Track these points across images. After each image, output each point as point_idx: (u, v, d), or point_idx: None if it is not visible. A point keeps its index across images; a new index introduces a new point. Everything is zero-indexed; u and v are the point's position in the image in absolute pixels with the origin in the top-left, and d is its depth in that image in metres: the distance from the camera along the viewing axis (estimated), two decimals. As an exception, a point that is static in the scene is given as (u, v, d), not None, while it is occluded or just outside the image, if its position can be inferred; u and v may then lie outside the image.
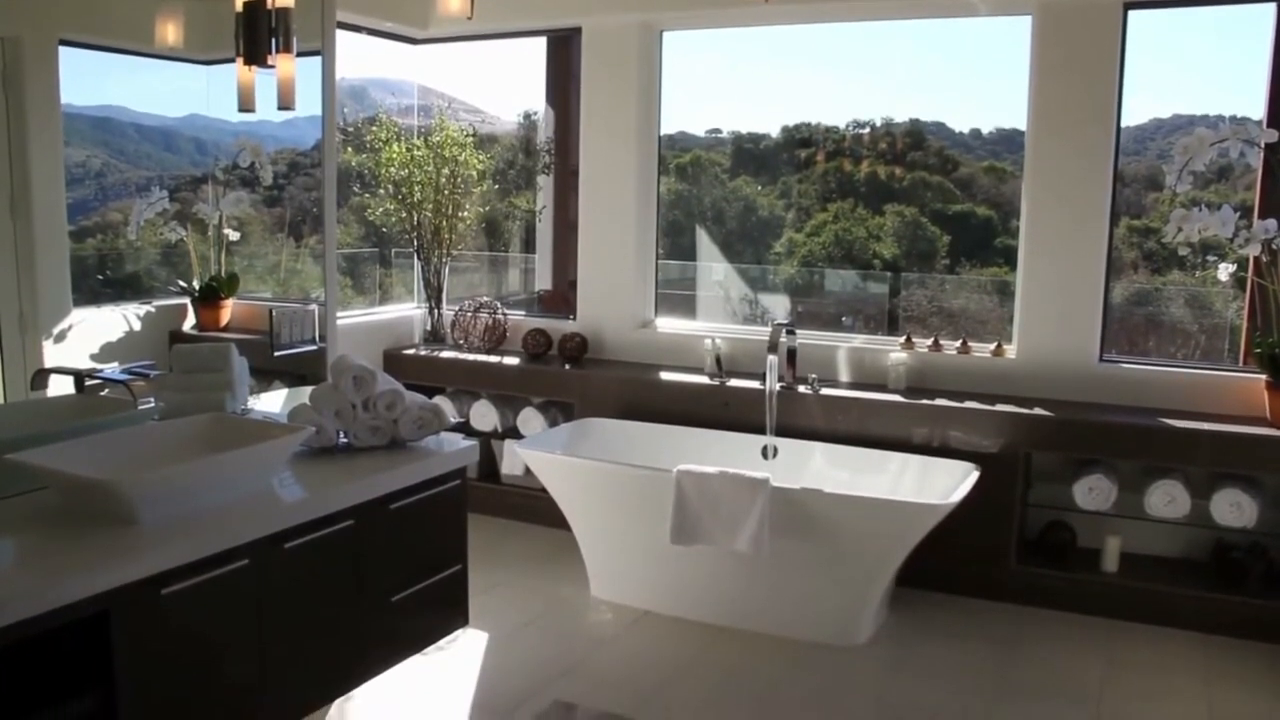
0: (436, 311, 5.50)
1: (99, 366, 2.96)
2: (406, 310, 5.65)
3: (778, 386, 4.25)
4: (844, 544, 3.66)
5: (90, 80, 3.02)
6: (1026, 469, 4.16)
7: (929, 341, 4.58)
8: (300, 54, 3.26)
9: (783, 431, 4.33)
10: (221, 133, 3.45)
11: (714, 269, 5.88)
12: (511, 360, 5.12)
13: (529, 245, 6.04)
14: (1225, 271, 4.03)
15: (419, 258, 5.50)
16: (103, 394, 2.93)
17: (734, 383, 4.61)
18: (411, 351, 5.36)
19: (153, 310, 3.26)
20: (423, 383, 5.12)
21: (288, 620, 2.52)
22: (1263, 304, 3.99)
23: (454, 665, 3.56)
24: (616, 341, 5.19)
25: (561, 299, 5.64)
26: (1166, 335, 4.94)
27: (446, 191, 5.34)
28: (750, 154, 6.00)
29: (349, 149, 5.33)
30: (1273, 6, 4.05)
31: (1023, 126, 4.35)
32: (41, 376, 2.80)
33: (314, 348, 3.70)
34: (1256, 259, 3.92)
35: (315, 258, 3.88)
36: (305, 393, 3.10)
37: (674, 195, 5.81)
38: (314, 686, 2.66)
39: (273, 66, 3.19)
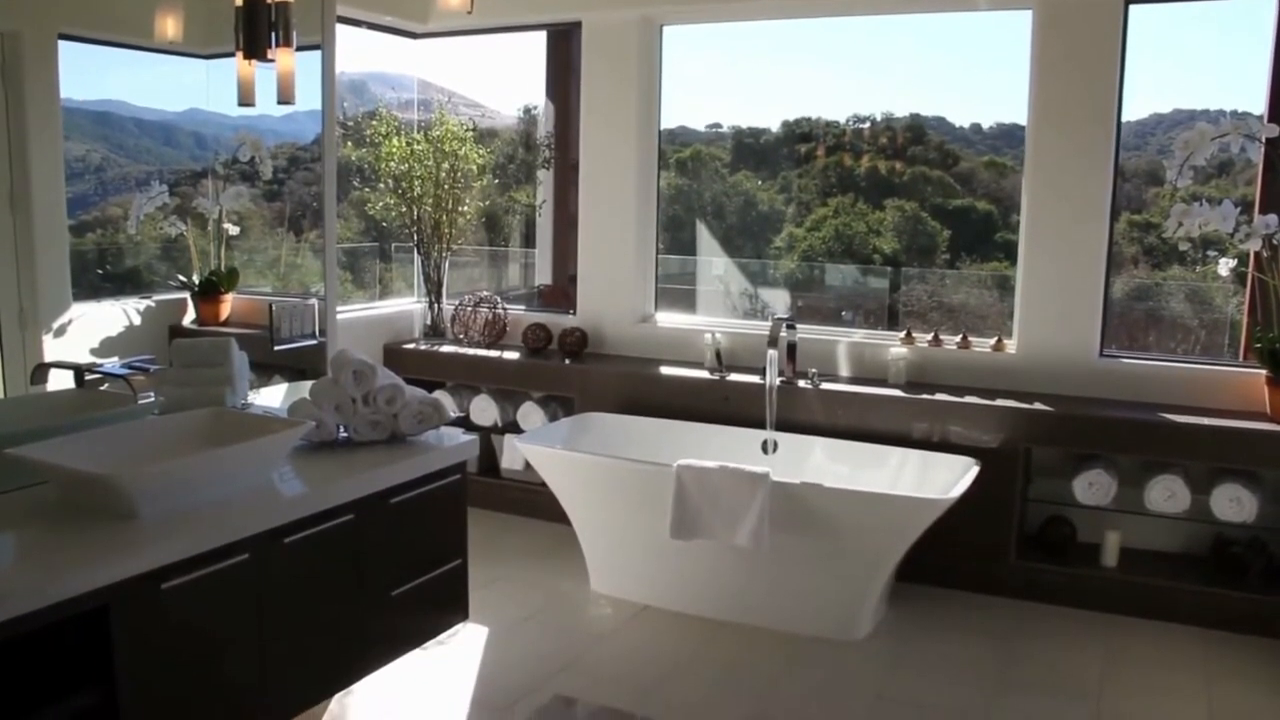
0: (436, 306, 5.50)
1: (99, 361, 2.96)
2: (406, 305, 5.65)
3: (778, 381, 4.25)
4: (844, 539, 3.67)
5: (90, 75, 3.01)
6: (1026, 464, 4.16)
7: (929, 336, 4.58)
8: (300, 48, 3.25)
9: (783, 426, 4.33)
10: (221, 127, 3.44)
11: (714, 264, 5.88)
12: (511, 355, 5.12)
13: (529, 240, 6.03)
14: (1225, 267, 4.03)
15: (419, 252, 5.50)
16: (102, 389, 2.93)
17: (734, 377, 4.61)
18: (411, 346, 5.36)
19: (152, 305, 3.26)
20: (423, 377, 5.11)
21: (288, 615, 2.52)
22: (1263, 299, 3.99)
23: (454, 660, 3.56)
24: (616, 336, 5.19)
25: (561, 294, 5.63)
26: (1167, 330, 4.93)
27: (446, 186, 5.34)
28: (750, 149, 5.99)
29: (349, 143, 5.32)
30: (1274, 0, 4.04)
31: (1023, 121, 4.34)
32: (41, 371, 2.80)
33: (314, 342, 3.70)
34: (1257, 254, 3.92)
35: (315, 252, 3.88)
36: (305, 387, 3.10)
37: (674, 190, 5.80)
38: (314, 681, 2.66)
39: (272, 61, 3.19)
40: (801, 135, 5.77)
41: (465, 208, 5.43)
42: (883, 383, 4.49)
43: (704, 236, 5.93)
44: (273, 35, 3.15)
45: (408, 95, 5.69)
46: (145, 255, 3.29)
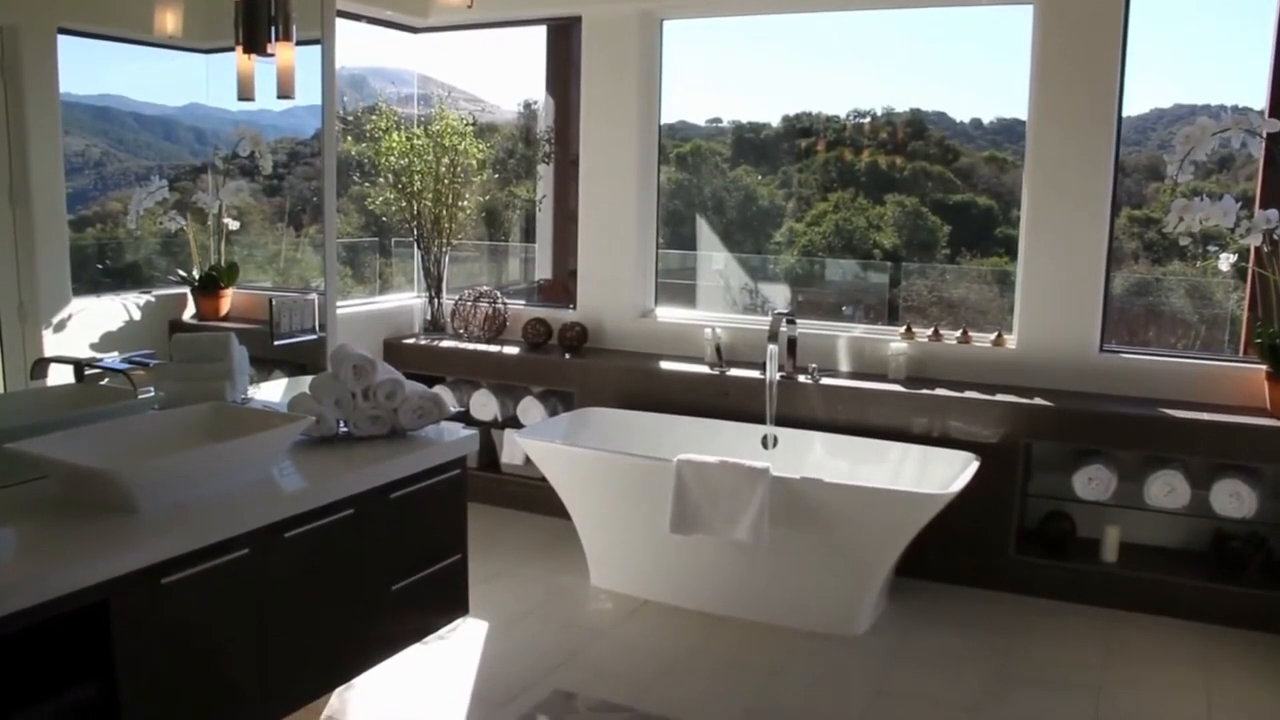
0: (436, 301, 5.50)
1: (99, 356, 2.96)
2: (406, 299, 5.64)
3: (778, 376, 4.25)
4: (843, 534, 3.67)
5: (89, 69, 3.01)
6: (1026, 459, 4.16)
7: (929, 331, 4.58)
8: (300, 43, 3.25)
9: (783, 421, 4.33)
10: (221, 122, 3.44)
11: (714, 258, 5.88)
12: (511, 350, 5.12)
13: (529, 234, 6.03)
14: (1226, 262, 4.02)
15: (419, 247, 5.50)
16: (102, 383, 2.94)
17: (734, 372, 4.61)
18: (411, 341, 5.36)
19: (152, 299, 3.26)
20: (423, 372, 5.11)
21: (288, 610, 2.53)
22: (1263, 294, 3.98)
23: (454, 654, 3.57)
24: (616, 331, 5.19)
25: (561, 288, 5.63)
26: (1167, 325, 4.94)
27: (446, 181, 5.34)
28: (751, 143, 5.99)
29: (349, 138, 5.32)
30: (1275, -4, 4.04)
31: (1024, 116, 4.34)
32: (41, 366, 2.80)
33: (314, 337, 3.70)
34: (1257, 249, 3.92)
35: (315, 247, 3.88)
36: (305, 382, 3.10)
37: (674, 185, 5.80)
38: (314, 675, 2.67)
39: (272, 55, 3.19)
40: (802, 130, 5.77)
41: (465, 203, 5.42)
42: (883, 378, 4.49)
43: (704, 231, 5.92)
44: (272, 30, 3.15)
45: (408, 90, 5.68)
46: (145, 250, 3.29)
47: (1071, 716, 3.23)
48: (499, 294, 5.38)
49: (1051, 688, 3.41)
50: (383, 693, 3.27)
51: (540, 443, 4.17)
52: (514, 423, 5.06)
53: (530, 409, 4.99)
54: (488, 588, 4.07)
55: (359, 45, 5.35)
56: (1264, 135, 3.83)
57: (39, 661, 2.13)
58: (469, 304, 5.34)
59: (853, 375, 4.58)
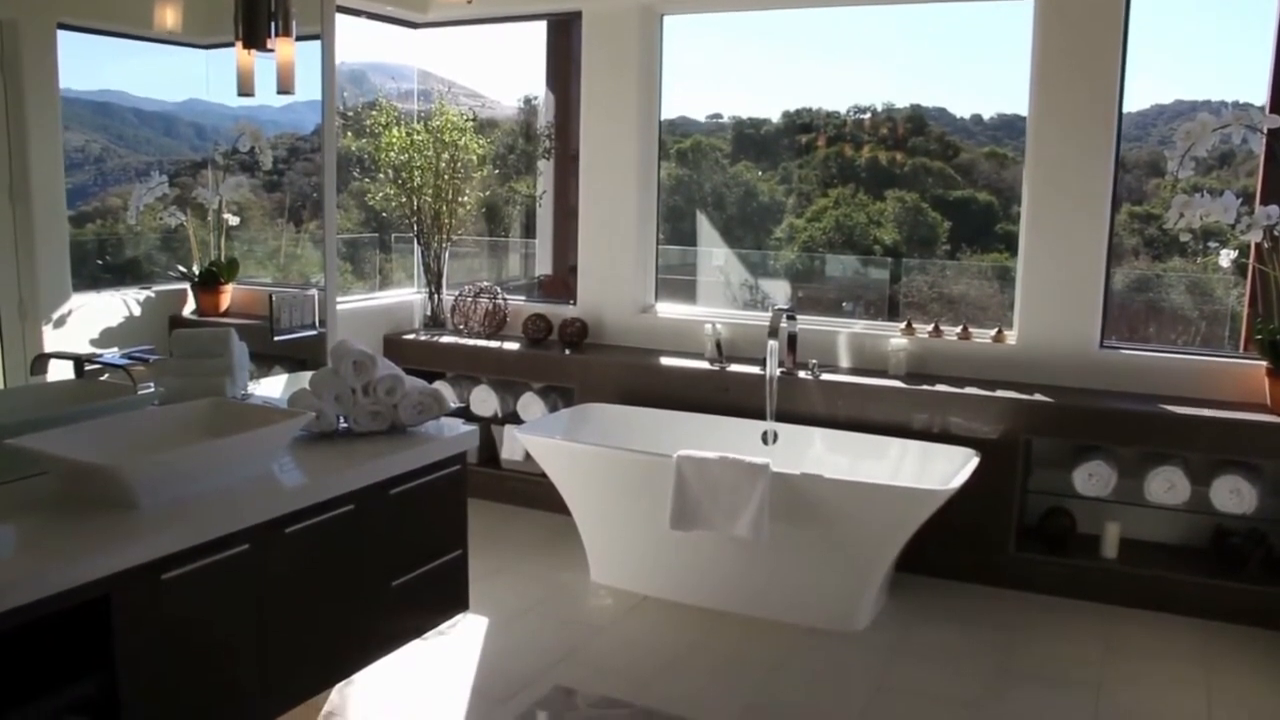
0: (436, 296, 5.50)
1: (99, 351, 2.96)
2: (406, 295, 5.64)
3: (778, 372, 4.25)
4: (844, 529, 3.67)
5: (89, 65, 3.01)
6: (1026, 455, 4.16)
7: (929, 327, 4.58)
8: (300, 38, 3.25)
9: (783, 417, 4.33)
10: (221, 117, 3.44)
11: (714, 254, 5.87)
12: (511, 345, 5.12)
13: (529, 230, 6.03)
14: (1226, 258, 4.02)
15: (419, 243, 5.49)
16: (102, 379, 2.93)
17: (734, 368, 4.61)
18: (411, 336, 5.36)
19: (152, 295, 3.26)
20: (423, 368, 5.12)
21: (288, 605, 2.53)
22: (1264, 290, 3.98)
23: (454, 650, 3.57)
24: (617, 326, 5.18)
25: (562, 284, 5.63)
26: (1167, 321, 4.93)
27: (446, 176, 5.33)
28: (751, 139, 5.98)
29: (349, 134, 5.31)
30: (1276, -9, 4.03)
31: (1024, 112, 4.33)
32: (41, 361, 2.80)
33: (314, 333, 3.70)
34: (1258, 245, 3.91)
35: (315, 243, 3.88)
36: (305, 378, 3.10)
37: (674, 180, 5.79)
38: (314, 671, 2.67)
39: (272, 50, 3.18)
40: (802, 126, 5.77)
41: (465, 198, 5.42)
42: (883, 374, 4.49)
43: (704, 227, 5.92)
44: (272, 25, 3.14)
45: (408, 85, 5.67)
46: (145, 246, 3.29)
47: (1071, 713, 3.23)
48: (499, 289, 5.38)
49: (1051, 684, 3.41)
50: (383, 689, 3.27)
51: (540, 438, 4.17)
52: (514, 418, 5.06)
53: (530, 405, 4.99)
54: (488, 584, 4.08)
55: (359, 40, 5.34)
56: (1265, 131, 3.83)
57: (39, 658, 2.13)
58: (469, 299, 5.34)
59: (853, 371, 4.58)
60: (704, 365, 4.69)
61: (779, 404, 4.27)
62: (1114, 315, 4.45)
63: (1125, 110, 4.17)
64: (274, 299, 3.58)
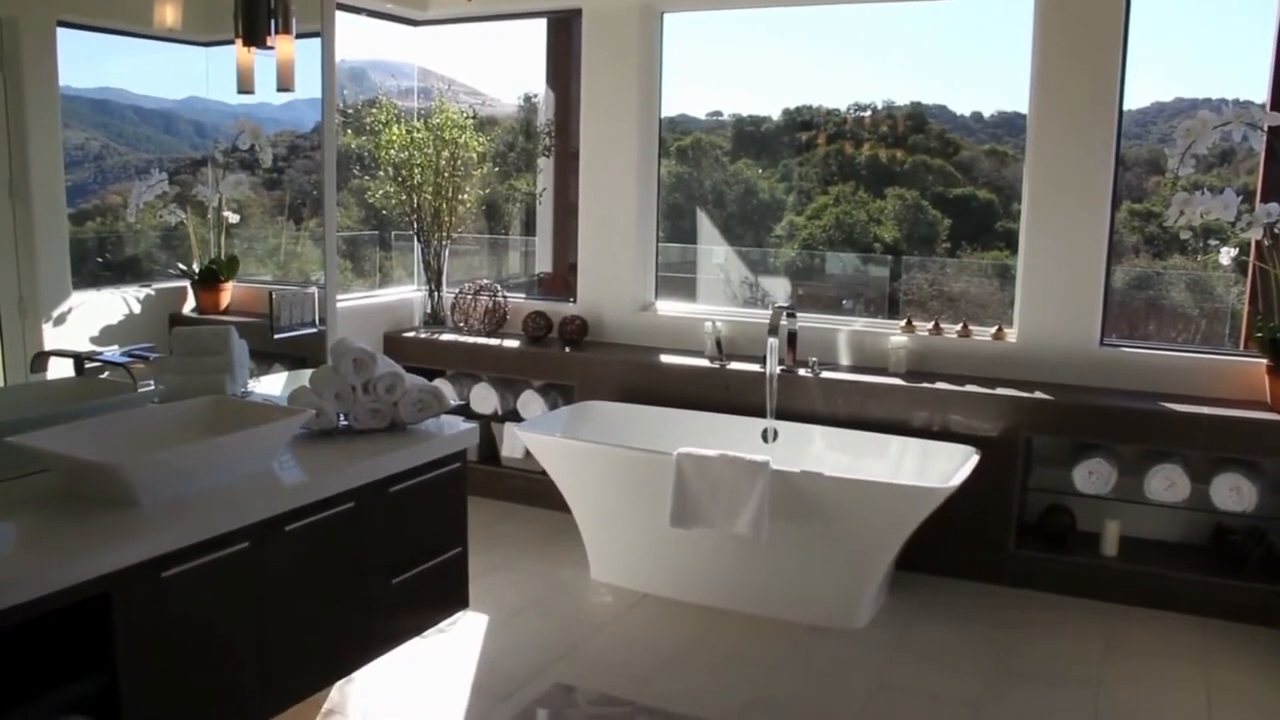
0: (436, 294, 5.50)
1: (99, 349, 2.96)
2: (406, 293, 5.64)
3: (778, 369, 4.25)
4: (843, 527, 3.67)
5: (89, 62, 3.00)
6: (1026, 453, 4.16)
7: (929, 325, 4.58)
8: (299, 35, 3.24)
9: (783, 415, 4.33)
10: (221, 115, 3.44)
11: (714, 252, 5.87)
12: (511, 343, 5.12)
13: (529, 228, 6.03)
14: (1227, 255, 4.02)
15: (419, 240, 5.49)
16: (103, 377, 2.93)
17: (734, 366, 4.61)
18: (411, 334, 5.36)
19: (152, 293, 3.26)
20: (423, 365, 5.12)
21: (288, 603, 2.53)
22: (1264, 288, 3.98)
23: (454, 648, 3.57)
24: (617, 324, 5.18)
25: (561, 281, 5.63)
26: (1167, 319, 4.93)
27: (446, 174, 5.33)
28: (751, 137, 5.98)
29: (349, 131, 5.31)
30: (1277, -11, 4.03)
31: (1024, 110, 4.33)
32: (41, 359, 2.80)
33: (314, 330, 3.70)
34: (1258, 243, 3.91)
35: (315, 240, 3.88)
36: (305, 375, 3.10)
37: (674, 178, 5.79)
38: (314, 669, 2.67)
39: (272, 48, 3.18)
40: (802, 123, 5.76)
41: (465, 196, 5.42)
42: (883, 371, 4.49)
43: (704, 225, 5.92)
44: (272, 22, 3.14)
45: (408, 83, 5.67)
46: (145, 243, 3.28)
47: (1071, 711, 3.23)
48: (499, 287, 5.38)
49: (1051, 682, 3.41)
50: (383, 686, 3.28)
51: (540, 436, 4.17)
52: (514, 416, 5.06)
53: (530, 402, 4.99)
54: (488, 581, 4.08)
55: (359, 38, 5.34)
56: (1265, 129, 3.82)
57: (40, 656, 2.13)
58: (469, 297, 5.34)
59: (853, 369, 4.58)
60: (704, 363, 4.69)
61: (779, 402, 4.27)
62: (1114, 313, 4.45)
63: (1126, 108, 4.17)
64: (274, 297, 3.58)
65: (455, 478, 3.08)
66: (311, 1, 3.51)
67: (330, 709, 3.12)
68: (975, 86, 5.41)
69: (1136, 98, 4.34)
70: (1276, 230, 3.82)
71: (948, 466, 3.89)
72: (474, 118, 5.41)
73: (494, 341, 5.15)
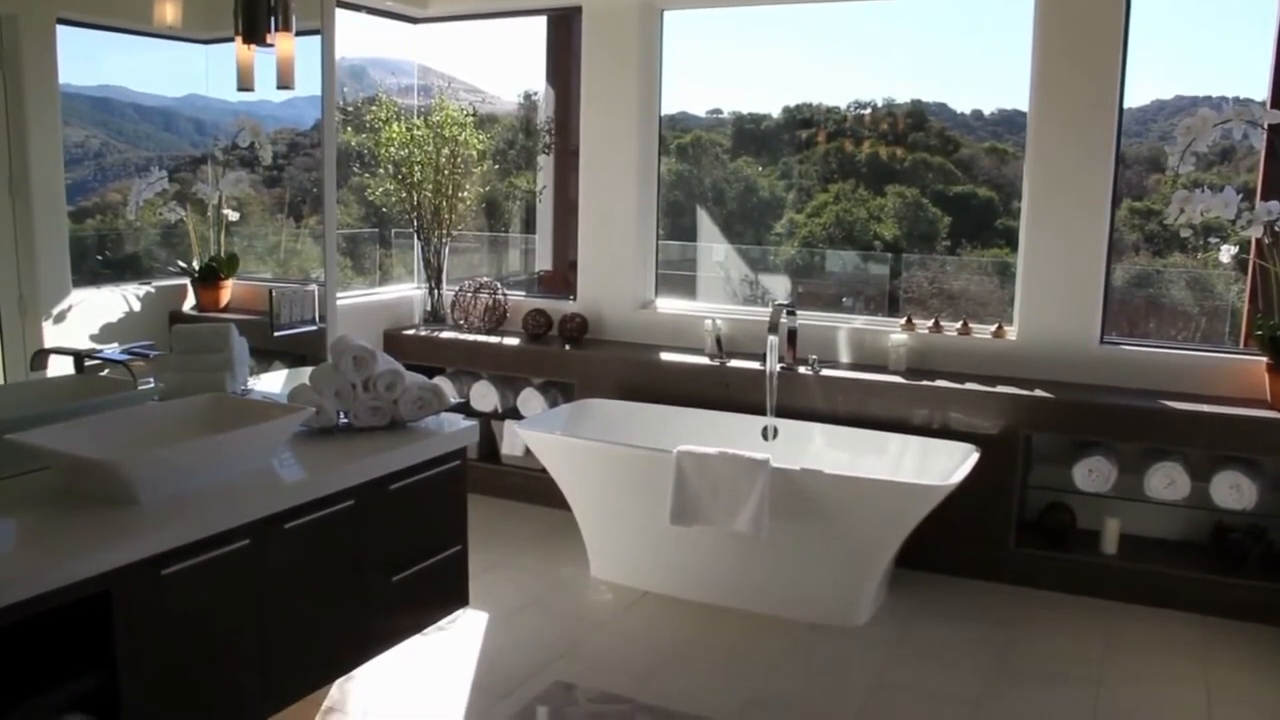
0: (436, 292, 5.50)
1: (99, 347, 2.96)
2: (406, 290, 5.64)
3: (778, 367, 4.25)
4: (844, 525, 3.67)
5: (89, 60, 3.00)
6: (1026, 450, 4.16)
7: (929, 323, 4.58)
8: (299, 33, 3.24)
9: (783, 412, 4.33)
10: (221, 112, 3.43)
11: (714, 249, 5.87)
12: (511, 341, 5.12)
13: (529, 225, 6.03)
14: (1227, 253, 4.02)
15: (419, 238, 5.49)
16: (102, 374, 2.93)
17: (734, 363, 4.61)
18: (411, 332, 5.36)
19: (152, 291, 3.26)
20: (423, 363, 5.12)
21: (288, 601, 2.53)
22: (1264, 286, 3.98)
23: (454, 646, 3.57)
24: (617, 322, 5.18)
25: (561, 279, 5.63)
26: (1167, 317, 4.93)
27: (446, 171, 5.33)
28: (751, 134, 5.97)
29: (348, 129, 5.31)
30: (1277, -14, 4.03)
31: (1024, 108, 4.33)
32: (41, 357, 2.80)
33: (314, 328, 3.70)
34: (1258, 241, 3.91)
35: (315, 238, 3.88)
36: (305, 373, 3.10)
37: (674, 176, 5.79)
38: (314, 666, 2.67)
39: (272, 45, 3.18)
40: (802, 121, 5.76)
41: (465, 193, 5.42)
42: (883, 369, 4.49)
43: (704, 222, 5.92)
44: (272, 20, 3.13)
45: (407, 80, 5.67)
46: (145, 241, 3.28)
47: (1071, 709, 3.23)
48: (499, 285, 5.38)
49: (1051, 680, 3.41)
50: (383, 684, 3.28)
51: (540, 434, 4.17)
52: (514, 414, 5.06)
53: (530, 400, 4.99)
54: (488, 579, 4.08)
55: (359, 35, 5.34)
56: (1265, 127, 3.82)
57: (40, 654, 2.13)
58: (469, 295, 5.34)
59: (853, 367, 4.58)
60: (704, 361, 4.69)
61: (779, 399, 4.27)
62: (1114, 311, 4.45)
63: (1126, 106, 4.17)
64: (274, 294, 3.58)
65: (455, 475, 3.08)
66: (311, -1, 3.51)
67: (330, 707, 3.12)
68: (975, 84, 5.41)
69: (1136, 95, 4.34)
70: (1277, 228, 3.82)
71: (947, 464, 3.89)
72: (474, 115, 5.41)
73: (494, 339, 5.15)
